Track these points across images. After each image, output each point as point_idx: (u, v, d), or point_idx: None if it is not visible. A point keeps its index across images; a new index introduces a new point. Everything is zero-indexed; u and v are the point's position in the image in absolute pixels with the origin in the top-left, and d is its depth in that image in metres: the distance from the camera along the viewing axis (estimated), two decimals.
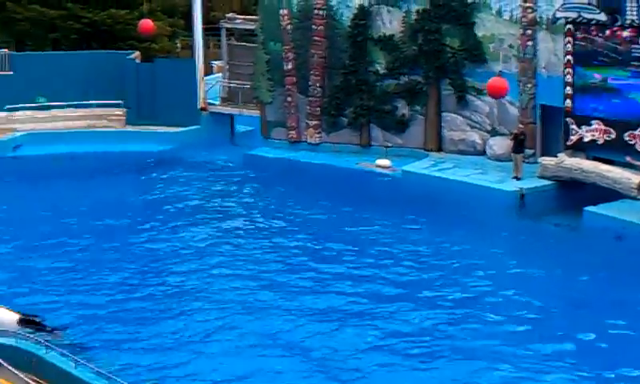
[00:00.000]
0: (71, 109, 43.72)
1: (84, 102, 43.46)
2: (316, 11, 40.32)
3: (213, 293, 27.29)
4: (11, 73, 44.39)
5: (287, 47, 41.13)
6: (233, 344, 23.68)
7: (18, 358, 20.76)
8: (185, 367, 22.49)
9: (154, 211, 35.44)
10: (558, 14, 34.41)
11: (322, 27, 40.31)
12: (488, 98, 36.79)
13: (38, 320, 24.00)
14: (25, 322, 23.77)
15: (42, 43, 50.02)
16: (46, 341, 21.44)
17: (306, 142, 40.99)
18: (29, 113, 43.54)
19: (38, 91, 43.58)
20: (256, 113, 42.73)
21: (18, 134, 42.07)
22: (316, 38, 40.45)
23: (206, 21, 45.54)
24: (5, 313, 24.11)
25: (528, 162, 35.16)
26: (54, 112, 43.74)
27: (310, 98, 40.77)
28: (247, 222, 34.12)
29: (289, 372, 22.10)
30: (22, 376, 19.13)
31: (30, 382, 18.93)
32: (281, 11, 41.02)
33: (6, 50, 45.96)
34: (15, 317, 23.99)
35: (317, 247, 31.06)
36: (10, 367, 19.30)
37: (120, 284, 27.95)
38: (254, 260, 30.04)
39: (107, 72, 43.68)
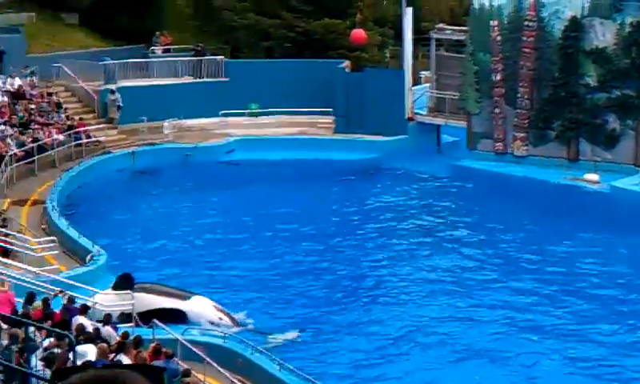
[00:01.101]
0: (282, 116, 44.74)
1: (294, 110, 44.36)
2: (526, 23, 39.96)
3: (414, 302, 27.61)
4: (226, 79, 45.96)
5: (496, 58, 40.94)
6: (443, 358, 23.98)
7: (225, 357, 21.58)
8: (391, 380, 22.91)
9: (359, 219, 35.99)
10: None
11: (532, 39, 39.91)
12: None
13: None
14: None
15: (255, 51, 51.39)
16: (253, 343, 22.20)
17: (511, 154, 40.67)
18: (241, 119, 44.90)
19: (250, 98, 44.83)
20: (462, 123, 42.66)
21: (231, 139, 43.34)
22: (526, 50, 40.09)
23: (416, 31, 45.69)
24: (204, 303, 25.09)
25: None
26: (265, 118, 44.92)
27: (518, 110, 40.44)
28: (451, 233, 34.23)
29: None
30: (227, 375, 19.84)
31: (236, 381, 19.60)
32: (491, 22, 40.86)
33: (221, 57, 47.59)
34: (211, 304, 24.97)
35: (521, 262, 30.80)
36: (217, 366, 20.07)
37: (329, 291, 28.58)
38: (456, 271, 30.19)
39: (318, 80, 44.47)
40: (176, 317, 23.84)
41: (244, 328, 25.01)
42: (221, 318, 24.99)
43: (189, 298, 25.19)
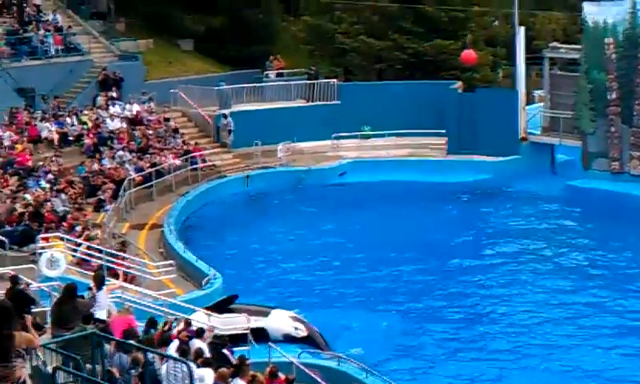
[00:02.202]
0: (394, 138, 44.82)
1: (406, 131, 44.40)
2: None
3: (529, 329, 27.34)
4: (338, 102, 46.30)
5: (611, 76, 40.41)
6: None
7: (340, 380, 21.72)
8: None
9: (473, 240, 35.79)
10: None
11: None
12: None
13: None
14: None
15: (367, 73, 51.63)
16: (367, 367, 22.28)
17: (628, 173, 40.02)
18: (354, 141, 45.13)
19: (363, 120, 45.06)
20: (577, 143, 42.15)
21: (344, 161, 43.62)
22: None
23: (529, 50, 45.37)
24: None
25: None
26: (377, 140, 45.08)
27: (634, 128, 39.86)
28: (567, 255, 33.73)
29: None
30: None
31: None
32: (606, 40, 40.38)
33: (334, 80, 47.99)
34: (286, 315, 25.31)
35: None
36: None
37: (434, 314, 28.47)
38: (566, 299, 29.75)
39: (429, 102, 44.38)
40: (259, 335, 24.03)
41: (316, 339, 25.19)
42: (296, 328, 25.26)
43: (268, 313, 25.50)
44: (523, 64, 44.45)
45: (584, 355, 25.13)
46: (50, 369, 14.53)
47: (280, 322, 25.33)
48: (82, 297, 19.68)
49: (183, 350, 17.38)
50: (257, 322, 24.64)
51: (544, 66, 44.94)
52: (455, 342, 26.40)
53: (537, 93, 48.43)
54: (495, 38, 53.16)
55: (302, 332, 25.25)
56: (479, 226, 37.66)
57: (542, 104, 45.99)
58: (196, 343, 19.53)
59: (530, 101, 46.78)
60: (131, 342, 16.88)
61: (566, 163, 43.82)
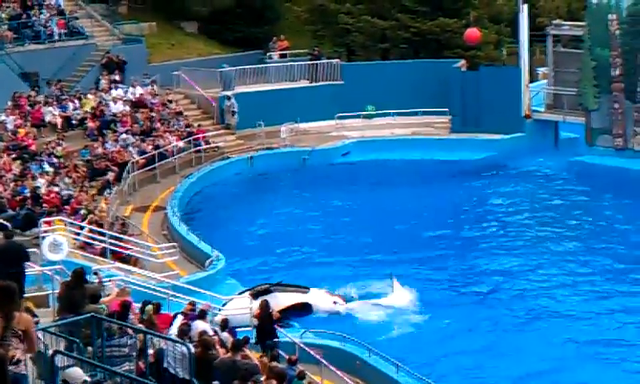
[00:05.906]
0: (397, 117, 44.76)
1: (410, 110, 44.33)
2: None
3: (532, 304, 27.47)
4: (342, 82, 46.21)
5: (615, 53, 40.27)
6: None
7: (343, 359, 21.78)
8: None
9: (477, 218, 35.80)
10: None
11: None
12: None
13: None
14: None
15: (371, 53, 51.45)
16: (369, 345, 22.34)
17: (632, 149, 39.92)
18: (358, 121, 45.06)
19: (366, 100, 44.97)
20: (580, 120, 42.04)
21: (347, 141, 43.56)
22: None
23: (532, 28, 45.17)
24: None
25: None
26: (381, 120, 44.99)
27: (638, 105, 39.69)
28: (571, 230, 33.83)
29: None
30: (345, 378, 20.01)
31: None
32: (609, 16, 40.23)
33: (337, 59, 47.86)
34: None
35: None
36: (334, 368, 20.27)
37: (442, 296, 28.51)
38: (579, 270, 29.90)
39: (433, 80, 44.22)
40: (302, 309, 26.18)
41: (354, 301, 26.92)
42: (335, 302, 26.72)
43: (308, 291, 26.87)
44: (527, 41, 44.26)
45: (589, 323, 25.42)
46: (50, 352, 14.56)
47: (320, 298, 26.71)
48: (86, 281, 19.67)
49: (182, 330, 17.40)
50: (301, 298, 26.38)
51: (548, 43, 44.71)
52: (466, 320, 26.50)
53: (540, 70, 48.25)
54: (499, 16, 52.86)
55: (342, 303, 26.64)
56: (483, 204, 37.66)
57: (545, 81, 45.82)
58: (199, 325, 19.55)
59: (533, 78, 46.60)
60: (130, 325, 16.89)
61: (569, 140, 43.74)
